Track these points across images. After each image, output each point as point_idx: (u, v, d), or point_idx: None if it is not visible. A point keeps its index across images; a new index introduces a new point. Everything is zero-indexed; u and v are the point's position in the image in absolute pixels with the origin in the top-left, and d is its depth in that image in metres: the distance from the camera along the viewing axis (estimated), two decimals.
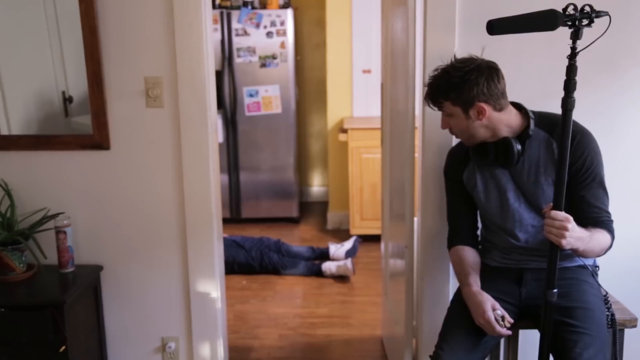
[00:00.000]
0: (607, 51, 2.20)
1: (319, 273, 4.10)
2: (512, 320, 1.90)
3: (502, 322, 1.88)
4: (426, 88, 2.01)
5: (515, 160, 1.94)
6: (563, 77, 1.66)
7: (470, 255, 2.10)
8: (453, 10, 2.24)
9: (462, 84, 1.89)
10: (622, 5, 2.21)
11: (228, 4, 4.93)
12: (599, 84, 2.27)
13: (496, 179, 2.03)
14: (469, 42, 2.22)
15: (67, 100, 2.51)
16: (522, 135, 1.96)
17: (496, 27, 1.63)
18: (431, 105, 2.02)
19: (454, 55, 1.99)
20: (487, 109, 1.91)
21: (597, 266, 2.12)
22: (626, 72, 2.27)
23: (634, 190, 2.34)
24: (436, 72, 1.97)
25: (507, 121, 1.96)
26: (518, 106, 2.01)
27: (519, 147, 1.94)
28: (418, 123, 2.42)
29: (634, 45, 2.25)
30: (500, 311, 1.90)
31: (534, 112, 1.99)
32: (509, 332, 1.90)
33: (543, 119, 1.99)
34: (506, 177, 2.02)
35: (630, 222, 2.30)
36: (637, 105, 2.30)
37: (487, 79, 1.89)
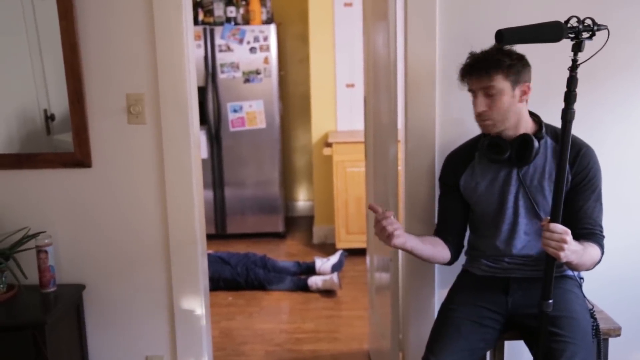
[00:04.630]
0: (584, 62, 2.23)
1: (305, 288, 4.08)
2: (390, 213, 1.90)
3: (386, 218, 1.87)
4: (469, 61, 1.97)
5: (532, 157, 1.96)
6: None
7: (435, 240, 2.09)
8: (433, 23, 2.26)
9: (520, 60, 1.94)
10: (599, 16, 2.21)
11: (211, 20, 4.94)
12: (578, 94, 2.28)
13: (500, 180, 2.04)
14: (450, 54, 2.24)
15: (49, 118, 2.49)
16: (536, 136, 1.98)
17: (505, 36, 1.61)
18: (474, 79, 1.95)
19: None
20: (529, 92, 1.95)
21: (582, 278, 2.14)
22: (602, 83, 2.30)
23: (615, 198, 2.35)
24: (486, 49, 1.95)
25: (526, 118, 2.00)
26: (530, 112, 2.05)
27: (537, 144, 1.95)
28: (401, 136, 2.43)
29: (610, 57, 2.28)
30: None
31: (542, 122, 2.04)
32: (395, 236, 1.87)
33: (550, 128, 2.03)
34: (511, 179, 2.02)
35: (612, 233, 2.31)
36: (613, 115, 2.33)
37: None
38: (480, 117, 1.98)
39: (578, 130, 2.09)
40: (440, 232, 2.16)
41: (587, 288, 2.11)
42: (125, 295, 2.49)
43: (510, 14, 2.19)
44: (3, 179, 2.43)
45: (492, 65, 1.92)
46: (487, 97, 1.95)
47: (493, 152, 2.01)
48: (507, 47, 1.94)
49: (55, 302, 2.33)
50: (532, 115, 2.04)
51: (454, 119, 2.32)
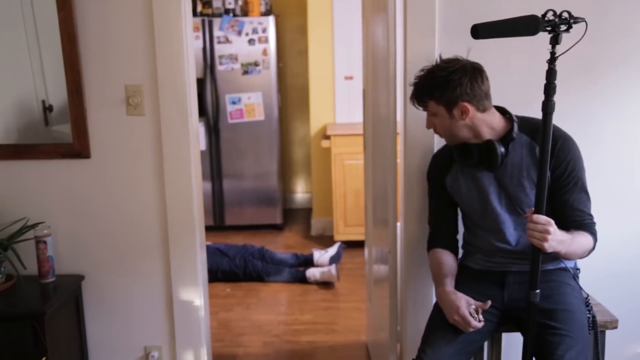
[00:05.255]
0: (583, 55, 2.23)
1: (303, 280, 4.09)
2: (482, 320, 1.93)
3: (476, 316, 1.91)
4: (412, 87, 2.03)
5: (499, 163, 1.96)
6: (543, 81, 1.69)
7: (448, 259, 2.12)
8: (433, 16, 2.26)
9: (446, 84, 1.92)
10: (598, 11, 2.25)
11: (209, 11, 4.93)
12: (575, 88, 2.30)
13: (479, 182, 2.05)
14: (449, 47, 2.24)
15: (47, 109, 2.49)
16: (506, 138, 1.98)
17: (481, 31, 1.64)
18: (416, 105, 2.04)
19: (440, 56, 2.02)
20: (471, 109, 1.93)
21: (578, 269, 2.15)
22: (602, 76, 2.30)
23: (611, 192, 2.37)
24: (422, 72, 2.00)
25: (490, 123, 1.98)
26: (502, 110, 2.04)
27: (502, 149, 1.96)
28: (400, 128, 2.43)
29: (609, 50, 2.29)
30: (474, 305, 1.93)
31: (517, 117, 2.02)
32: (482, 324, 1.92)
33: (526, 123, 2.01)
34: (489, 180, 2.03)
35: (608, 225, 2.32)
36: (612, 108, 2.33)
37: (470, 79, 1.92)
38: (435, 132, 2.07)
39: (575, 122, 2.10)
40: (439, 240, 2.17)
41: (584, 282, 2.11)
42: (124, 286, 2.50)
43: (510, 6, 2.18)
44: (1, 170, 2.43)
45: (424, 92, 1.99)
46: (430, 116, 2.02)
47: (463, 157, 2.04)
48: (445, 63, 1.95)
49: (54, 293, 2.33)
50: (504, 113, 2.03)
51: None
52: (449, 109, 1.95)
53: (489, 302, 1.93)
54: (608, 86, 2.32)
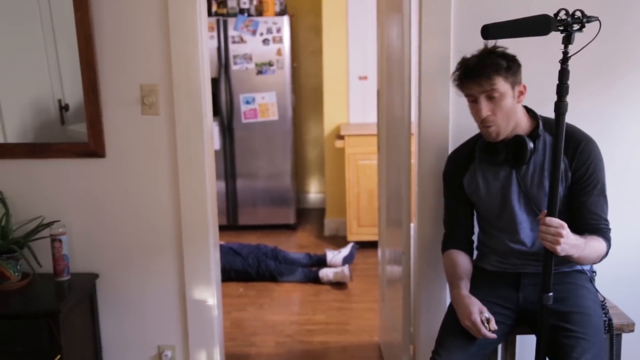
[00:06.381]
0: (602, 57, 2.21)
1: (316, 280, 4.09)
2: (496, 327, 1.90)
3: (487, 325, 1.89)
4: (465, 66, 1.94)
5: (527, 159, 1.95)
6: (557, 81, 1.68)
7: (463, 260, 2.11)
8: (448, 16, 2.25)
9: (514, 60, 1.93)
10: (617, 11, 2.22)
11: (224, 11, 4.94)
12: (595, 89, 2.27)
13: (500, 181, 2.03)
14: (464, 47, 2.22)
15: (63, 108, 2.51)
16: (532, 135, 1.97)
17: (491, 31, 1.64)
18: (475, 84, 1.92)
19: (486, 45, 1.97)
20: (525, 91, 1.95)
21: (594, 271, 2.13)
22: (621, 78, 2.28)
23: (630, 195, 2.34)
24: (478, 52, 1.94)
25: (520, 118, 1.98)
26: (525, 108, 2.03)
27: (531, 145, 1.94)
28: (414, 129, 2.42)
29: (629, 51, 2.26)
30: (487, 314, 1.91)
31: (540, 116, 2.01)
32: (494, 336, 1.90)
33: (548, 122, 2.00)
34: (511, 179, 2.02)
35: (626, 227, 2.30)
36: (632, 111, 2.31)
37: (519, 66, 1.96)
38: (484, 123, 1.96)
39: (596, 125, 2.08)
40: (454, 241, 2.16)
41: (600, 283, 2.09)
42: (138, 285, 2.51)
43: (527, 7, 2.16)
44: (18, 169, 2.45)
45: (491, 68, 1.90)
46: (489, 101, 1.93)
47: (489, 154, 2.02)
48: (500, 48, 1.93)
49: (69, 291, 2.35)
50: (529, 111, 2.03)
51: (468, 112, 2.30)
52: (513, 87, 1.93)
53: (496, 327, 1.91)
54: (628, 88, 2.29)
